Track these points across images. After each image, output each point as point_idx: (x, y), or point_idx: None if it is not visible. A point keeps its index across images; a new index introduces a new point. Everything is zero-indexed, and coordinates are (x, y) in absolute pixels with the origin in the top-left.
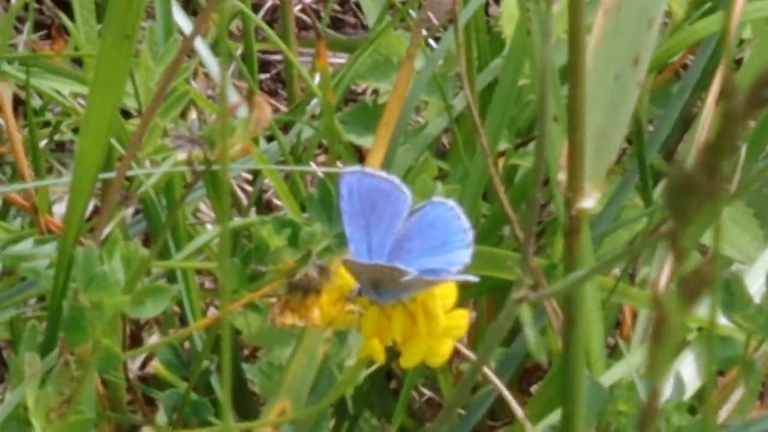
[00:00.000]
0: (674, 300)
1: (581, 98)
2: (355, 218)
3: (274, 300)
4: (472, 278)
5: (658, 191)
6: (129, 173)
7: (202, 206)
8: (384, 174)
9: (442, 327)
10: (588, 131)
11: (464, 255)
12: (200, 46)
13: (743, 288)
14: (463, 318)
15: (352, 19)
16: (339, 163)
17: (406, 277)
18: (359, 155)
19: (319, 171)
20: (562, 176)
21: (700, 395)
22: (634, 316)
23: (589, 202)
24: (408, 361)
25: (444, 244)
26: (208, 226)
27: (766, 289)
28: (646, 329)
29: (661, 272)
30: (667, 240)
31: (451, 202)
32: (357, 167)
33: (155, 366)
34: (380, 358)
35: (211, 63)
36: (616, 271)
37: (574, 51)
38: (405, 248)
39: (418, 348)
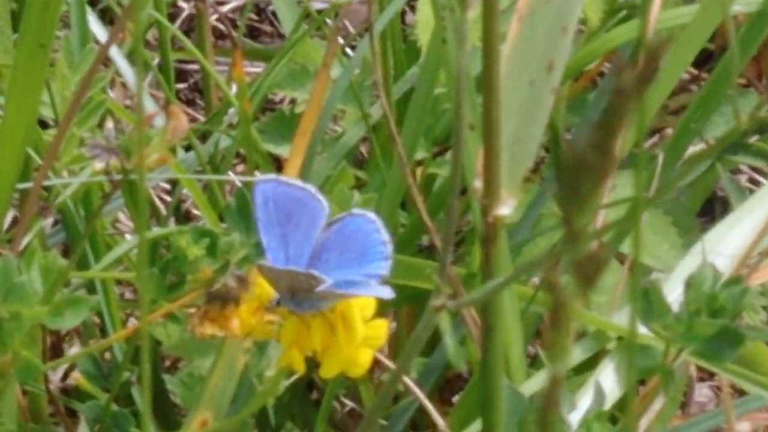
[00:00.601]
0: (570, 284)
1: (496, 105)
2: (271, 227)
3: (193, 310)
4: (387, 293)
5: None
6: (46, 183)
7: (121, 216)
8: (300, 183)
9: (361, 337)
10: (503, 138)
11: (383, 267)
12: (116, 55)
13: (662, 296)
14: (382, 328)
15: (268, 28)
16: (257, 173)
17: (322, 286)
18: (277, 164)
19: (237, 180)
20: (478, 183)
21: (621, 405)
22: None
23: (506, 209)
24: (328, 371)
25: (363, 256)
26: (127, 237)
27: (684, 297)
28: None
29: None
30: (561, 222)
31: (372, 214)
32: (272, 175)
33: (76, 377)
34: (300, 367)
35: (128, 72)
36: (536, 280)
37: (488, 58)
38: (323, 259)
39: (337, 358)
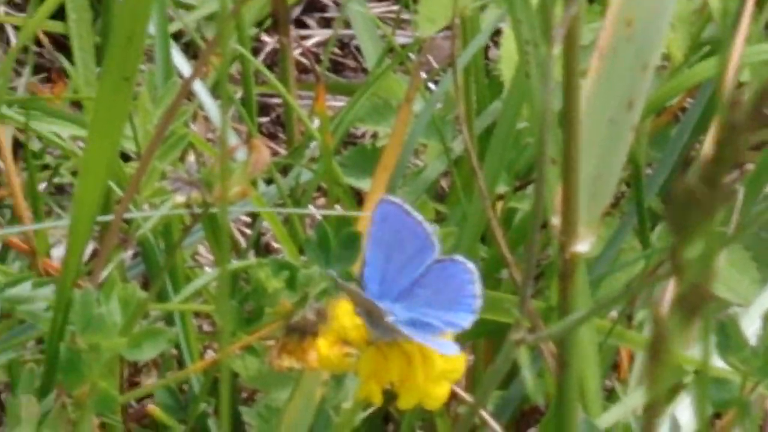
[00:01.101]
0: (673, 317)
1: (575, 142)
2: (380, 246)
3: (271, 343)
4: (453, 350)
5: (656, 234)
6: (127, 216)
7: (201, 249)
8: (421, 218)
9: (439, 370)
10: (582, 175)
11: (467, 320)
12: (200, 89)
13: (739, 329)
14: (460, 361)
15: (352, 63)
16: (338, 207)
17: (390, 321)
18: (358, 198)
19: (318, 214)
20: (556, 220)
21: None
22: (631, 359)
23: (584, 246)
24: (405, 403)
25: (451, 303)
26: (207, 269)
27: (762, 331)
28: (643, 372)
29: (663, 295)
30: (668, 255)
31: (471, 265)
32: (398, 199)
33: (152, 409)
34: (378, 400)
35: (211, 106)
36: (614, 313)
37: (569, 94)
38: (415, 293)
39: (414, 390)
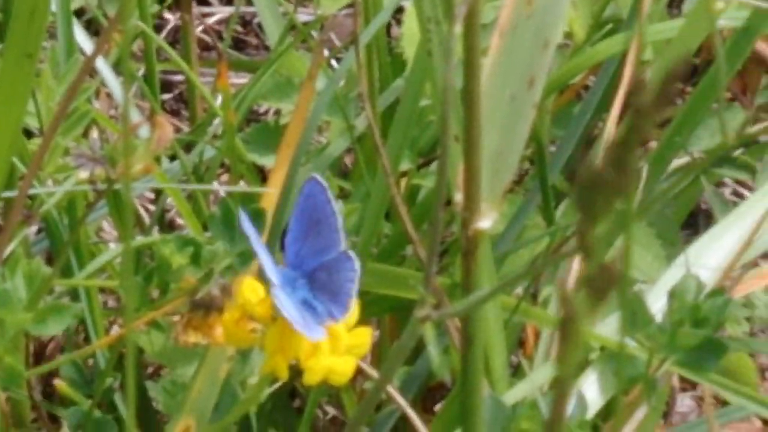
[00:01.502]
0: (581, 297)
1: (476, 119)
2: (302, 220)
3: (176, 318)
4: (318, 334)
5: (560, 211)
6: (31, 192)
7: (105, 225)
8: (336, 208)
9: (345, 345)
10: (484, 152)
11: (342, 314)
12: (102, 66)
13: (645, 307)
14: (365, 336)
15: (254, 40)
16: (241, 183)
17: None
18: (261, 175)
19: (222, 190)
20: (459, 197)
21: (603, 414)
22: (537, 335)
23: (486, 222)
24: (311, 378)
25: (335, 295)
26: (111, 245)
27: (667, 308)
28: (549, 348)
29: (568, 273)
30: (576, 237)
31: (357, 264)
32: (324, 182)
33: (59, 384)
34: (283, 374)
35: (113, 83)
36: (519, 290)
37: (469, 72)
38: (316, 276)
39: (320, 366)
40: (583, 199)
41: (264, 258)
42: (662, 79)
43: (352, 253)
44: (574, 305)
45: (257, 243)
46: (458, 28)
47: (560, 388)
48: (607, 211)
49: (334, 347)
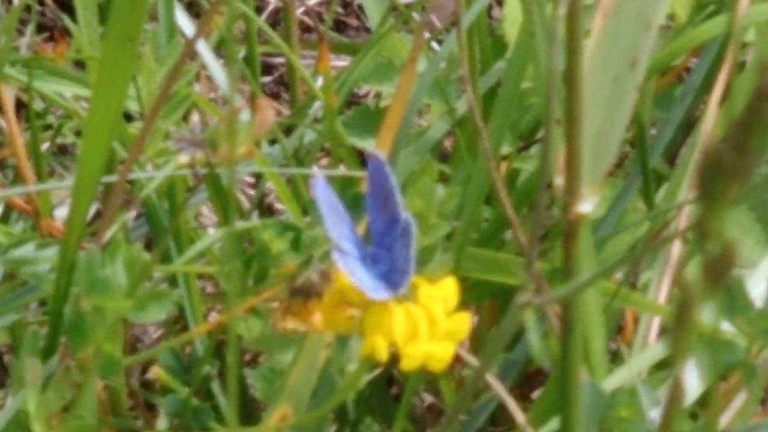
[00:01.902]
0: (698, 285)
1: (578, 101)
2: (375, 200)
3: (275, 305)
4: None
5: (661, 195)
6: (131, 176)
7: (204, 210)
8: (395, 181)
9: (444, 330)
10: (585, 135)
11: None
12: (203, 49)
13: (745, 292)
14: (464, 321)
15: (355, 22)
16: (342, 167)
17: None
18: (362, 158)
19: (322, 174)
20: (559, 180)
21: (702, 401)
22: (636, 321)
23: (587, 206)
24: (409, 364)
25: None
26: (210, 230)
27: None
28: (647, 335)
29: (668, 260)
30: (697, 222)
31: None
32: (381, 154)
33: (157, 371)
34: (382, 355)
35: (214, 66)
36: (619, 275)
37: (571, 54)
38: (393, 250)
39: (418, 351)
40: (704, 182)
41: (330, 225)
42: None
43: (410, 218)
44: (691, 293)
45: (327, 210)
46: (562, 10)
47: (675, 378)
48: (727, 194)
49: (433, 333)
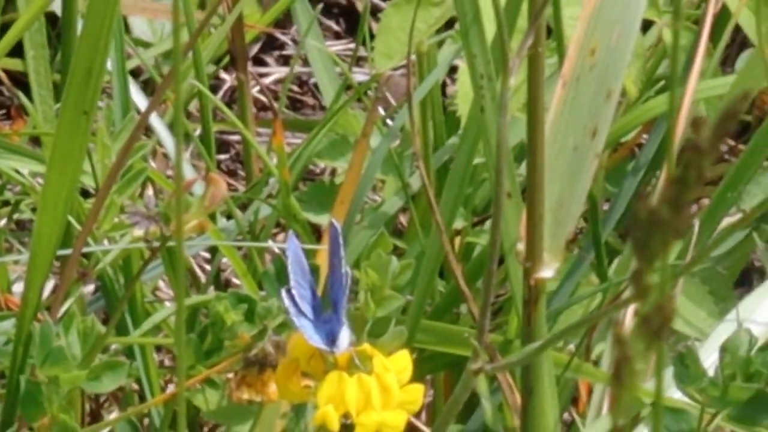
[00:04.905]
0: (636, 338)
1: (540, 169)
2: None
3: (231, 376)
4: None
5: (613, 268)
6: (86, 250)
7: (161, 285)
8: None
9: (397, 400)
10: (547, 202)
11: None
12: (158, 124)
13: (697, 360)
14: (418, 392)
15: (311, 100)
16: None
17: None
18: (317, 233)
19: (276, 248)
20: (521, 246)
21: None
22: (590, 392)
23: (548, 272)
24: None
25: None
26: (167, 304)
27: (719, 361)
28: (601, 405)
29: (623, 321)
30: (631, 278)
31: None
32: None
33: None
34: (334, 426)
35: (169, 143)
36: (571, 347)
37: (533, 122)
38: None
39: (372, 420)
40: (640, 239)
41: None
42: (719, 117)
43: (348, 271)
44: (628, 346)
45: (294, 267)
46: (513, 83)
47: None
48: (663, 250)
49: (386, 402)
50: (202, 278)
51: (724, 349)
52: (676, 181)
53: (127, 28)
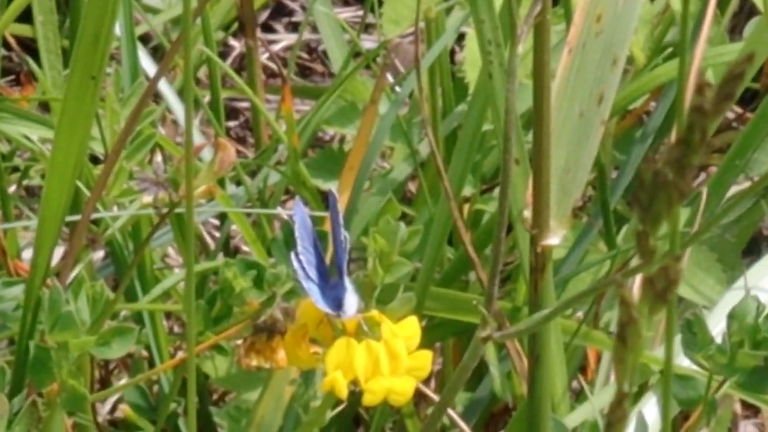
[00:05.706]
0: (642, 301)
1: (546, 136)
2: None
3: (240, 342)
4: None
5: (622, 236)
6: (95, 216)
7: (171, 251)
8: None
9: (405, 366)
10: (553, 169)
11: None
12: (166, 90)
13: (705, 327)
14: (426, 358)
15: (319, 67)
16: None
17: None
18: (325, 200)
19: (285, 215)
20: (527, 214)
21: None
22: (598, 359)
23: (555, 239)
24: (370, 399)
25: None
26: (176, 271)
27: (727, 329)
28: (609, 372)
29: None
30: (637, 239)
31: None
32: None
33: (124, 409)
34: (342, 391)
35: (179, 109)
36: (580, 315)
37: (538, 88)
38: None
39: (380, 386)
40: (645, 201)
41: (300, 247)
42: (723, 79)
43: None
44: (634, 308)
45: (301, 233)
46: (521, 49)
47: (618, 393)
48: (667, 211)
49: (395, 368)
50: (211, 245)
51: (731, 316)
52: (680, 143)
53: None
